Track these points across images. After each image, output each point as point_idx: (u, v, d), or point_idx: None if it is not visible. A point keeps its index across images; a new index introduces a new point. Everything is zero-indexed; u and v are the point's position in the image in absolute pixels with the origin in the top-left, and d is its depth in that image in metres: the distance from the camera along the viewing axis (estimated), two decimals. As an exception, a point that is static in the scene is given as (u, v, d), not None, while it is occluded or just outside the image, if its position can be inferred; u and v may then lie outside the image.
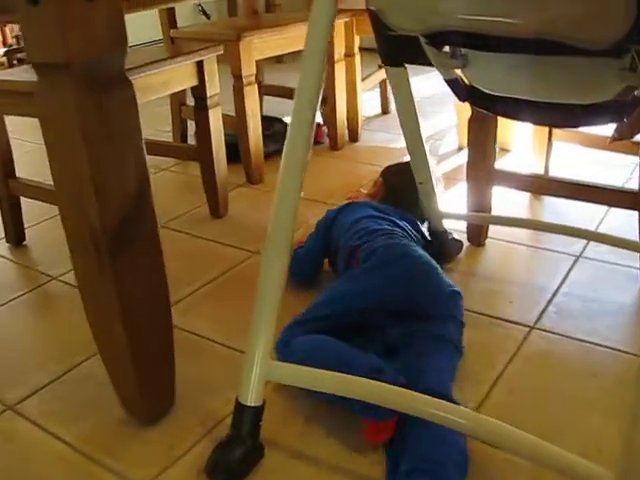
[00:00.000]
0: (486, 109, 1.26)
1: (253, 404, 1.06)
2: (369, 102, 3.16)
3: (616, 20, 0.80)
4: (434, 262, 1.41)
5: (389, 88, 3.11)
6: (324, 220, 1.65)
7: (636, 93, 1.03)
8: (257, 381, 1.05)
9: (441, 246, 1.70)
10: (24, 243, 2.02)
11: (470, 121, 1.67)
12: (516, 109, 1.14)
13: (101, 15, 0.91)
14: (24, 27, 0.93)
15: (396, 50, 1.37)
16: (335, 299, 1.38)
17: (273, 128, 2.60)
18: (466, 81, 1.20)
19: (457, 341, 1.30)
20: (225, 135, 2.04)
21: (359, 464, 1.11)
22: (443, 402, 0.97)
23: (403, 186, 1.71)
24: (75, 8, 0.88)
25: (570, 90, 1.03)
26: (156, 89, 1.76)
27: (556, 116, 1.12)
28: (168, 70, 1.77)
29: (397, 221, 1.57)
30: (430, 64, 1.22)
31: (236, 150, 2.32)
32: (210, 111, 1.93)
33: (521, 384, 1.27)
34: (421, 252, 1.43)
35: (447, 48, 1.16)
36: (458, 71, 1.20)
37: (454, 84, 1.22)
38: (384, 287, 1.35)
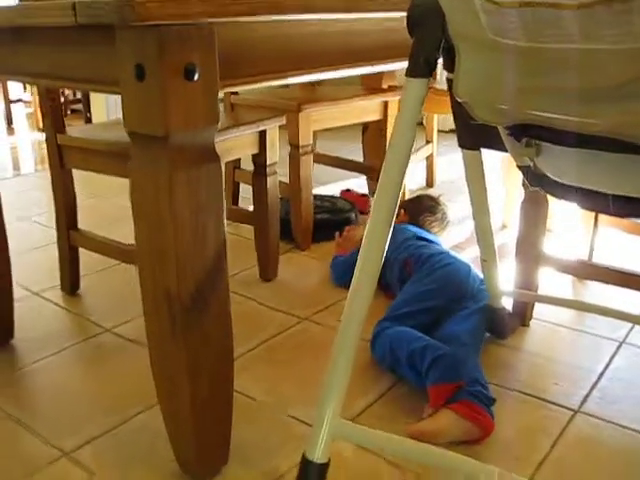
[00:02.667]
0: (554, 195, 1.31)
1: (320, 461, 1.09)
2: (414, 175, 3.24)
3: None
4: (465, 262, 1.87)
5: (435, 162, 3.20)
6: None
7: None
8: (325, 437, 1.08)
9: (500, 322, 1.75)
10: (78, 292, 2.08)
11: (524, 202, 1.72)
12: (584, 198, 1.19)
13: (199, 93, 0.99)
14: (126, 99, 1.00)
15: (474, 136, 1.45)
16: (410, 300, 1.74)
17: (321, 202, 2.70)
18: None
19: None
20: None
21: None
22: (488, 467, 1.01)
23: (422, 209, 2.24)
24: (177, 86, 0.96)
25: (636, 184, 1.08)
26: (220, 155, 1.83)
27: (622, 206, 1.16)
28: (233, 138, 1.85)
29: (428, 237, 2.07)
30: (505, 150, 1.28)
31: (284, 226, 2.38)
32: (268, 178, 2.01)
33: (565, 469, 1.28)
34: (453, 256, 1.91)
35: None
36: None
37: (526, 170, 1.28)
38: (441, 287, 1.75)
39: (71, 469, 1.29)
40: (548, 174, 1.25)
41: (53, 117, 1.83)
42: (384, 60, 1.40)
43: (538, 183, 1.32)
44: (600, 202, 1.23)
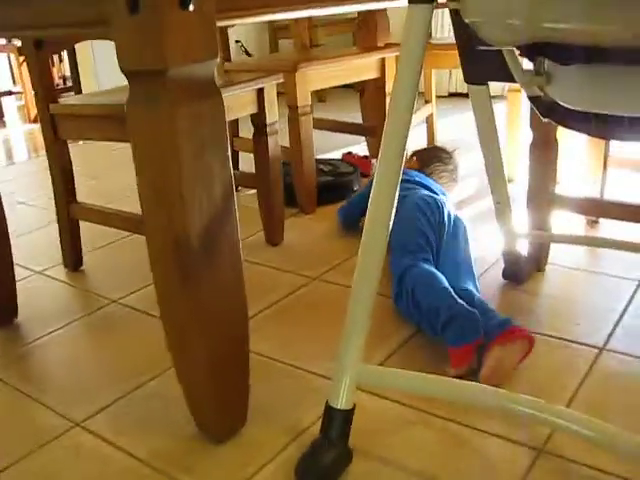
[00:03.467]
0: (566, 125, 1.26)
1: (344, 407, 1.05)
2: (416, 136, 3.18)
3: None
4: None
5: (435, 122, 3.15)
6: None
7: None
8: (348, 384, 1.05)
9: (516, 267, 1.73)
10: (81, 268, 2.04)
11: (532, 146, 1.67)
12: (598, 124, 1.15)
13: (196, 24, 0.94)
14: (119, 36, 0.95)
15: (481, 69, 1.41)
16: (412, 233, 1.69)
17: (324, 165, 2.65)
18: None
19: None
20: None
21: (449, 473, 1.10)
22: (538, 400, 0.98)
23: (433, 158, 2.22)
24: (173, 16, 0.91)
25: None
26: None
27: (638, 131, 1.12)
28: (231, 97, 1.80)
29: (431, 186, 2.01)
30: (513, 81, 1.23)
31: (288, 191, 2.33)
32: (269, 138, 1.96)
33: (596, 404, 1.25)
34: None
35: (531, 65, 1.17)
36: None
37: (536, 101, 1.24)
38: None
39: (85, 438, 1.25)
40: (560, 102, 1.20)
41: (44, 87, 1.79)
42: None
43: (549, 113, 1.27)
44: (614, 126, 1.19)
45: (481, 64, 1.40)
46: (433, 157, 2.23)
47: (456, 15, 1.28)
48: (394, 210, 1.04)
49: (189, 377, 1.16)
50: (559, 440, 1.14)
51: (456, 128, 3.55)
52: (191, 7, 0.92)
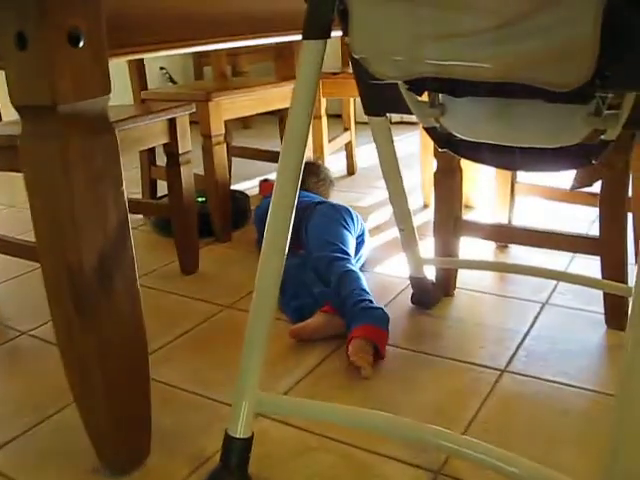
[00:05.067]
0: (463, 156, 1.32)
1: (242, 436, 1.06)
2: (335, 164, 3.23)
3: (578, 65, 0.85)
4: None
5: (354, 151, 3.20)
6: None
7: (602, 137, 1.09)
8: (246, 412, 1.06)
9: (423, 292, 1.77)
10: (-7, 300, 2.00)
11: (437, 173, 1.72)
12: (491, 155, 1.21)
13: (86, 61, 0.95)
14: (9, 71, 0.95)
15: (378, 100, 1.45)
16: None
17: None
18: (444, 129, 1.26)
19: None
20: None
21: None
22: (434, 427, 1.02)
23: (307, 174, 2.27)
24: (62, 53, 0.91)
25: (539, 135, 1.09)
26: (130, 145, 1.79)
27: (529, 160, 1.18)
28: (142, 127, 1.80)
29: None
30: (410, 112, 1.28)
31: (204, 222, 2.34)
32: (182, 168, 1.96)
33: (494, 424, 1.28)
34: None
35: (426, 97, 1.22)
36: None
37: (433, 132, 1.29)
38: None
39: (-16, 474, 1.23)
40: (454, 133, 1.25)
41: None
42: (284, 31, 1.39)
43: (446, 144, 1.32)
44: (507, 157, 1.25)
45: (378, 96, 1.44)
46: (306, 175, 2.27)
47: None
48: (289, 235, 1.07)
49: (88, 408, 1.15)
50: (455, 463, 1.17)
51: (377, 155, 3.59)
52: (81, 44, 0.93)
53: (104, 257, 1.02)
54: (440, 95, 1.23)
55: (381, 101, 1.46)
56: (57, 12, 0.90)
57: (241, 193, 2.68)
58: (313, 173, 2.46)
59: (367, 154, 3.55)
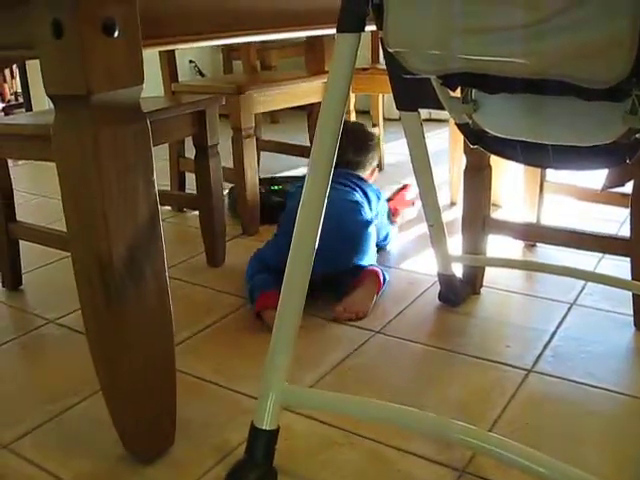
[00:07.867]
0: (495, 152, 1.31)
1: (268, 428, 1.06)
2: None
3: (616, 61, 0.84)
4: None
5: (383, 146, 3.19)
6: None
7: (637, 136, 1.08)
8: (273, 405, 1.06)
9: (451, 290, 1.75)
10: (20, 287, 2.02)
11: (466, 170, 1.71)
12: (523, 152, 1.19)
13: (121, 50, 0.95)
14: (44, 60, 0.96)
15: (411, 95, 1.45)
16: None
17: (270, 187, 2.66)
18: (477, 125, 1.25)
19: None
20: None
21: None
22: (462, 424, 1.01)
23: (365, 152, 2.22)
24: (97, 42, 0.92)
25: (574, 132, 1.08)
26: (159, 136, 1.80)
27: (562, 158, 1.16)
28: (172, 118, 1.81)
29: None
30: (442, 108, 1.27)
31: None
32: (210, 160, 1.97)
33: (520, 425, 1.27)
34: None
35: (459, 93, 1.21)
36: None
37: (465, 128, 1.28)
38: None
39: (11, 460, 1.24)
40: (487, 129, 1.24)
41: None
42: (317, 25, 1.39)
43: (477, 140, 1.31)
44: (539, 155, 1.24)
45: (411, 91, 1.44)
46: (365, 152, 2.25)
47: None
48: (319, 233, 1.06)
49: (115, 397, 1.16)
50: (480, 461, 1.17)
51: (405, 151, 3.58)
52: (116, 34, 0.94)
53: (134, 247, 1.02)
54: (473, 91, 1.22)
55: (413, 96, 1.46)
56: (92, 2, 0.91)
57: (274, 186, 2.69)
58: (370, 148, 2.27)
59: (395, 150, 3.54)
